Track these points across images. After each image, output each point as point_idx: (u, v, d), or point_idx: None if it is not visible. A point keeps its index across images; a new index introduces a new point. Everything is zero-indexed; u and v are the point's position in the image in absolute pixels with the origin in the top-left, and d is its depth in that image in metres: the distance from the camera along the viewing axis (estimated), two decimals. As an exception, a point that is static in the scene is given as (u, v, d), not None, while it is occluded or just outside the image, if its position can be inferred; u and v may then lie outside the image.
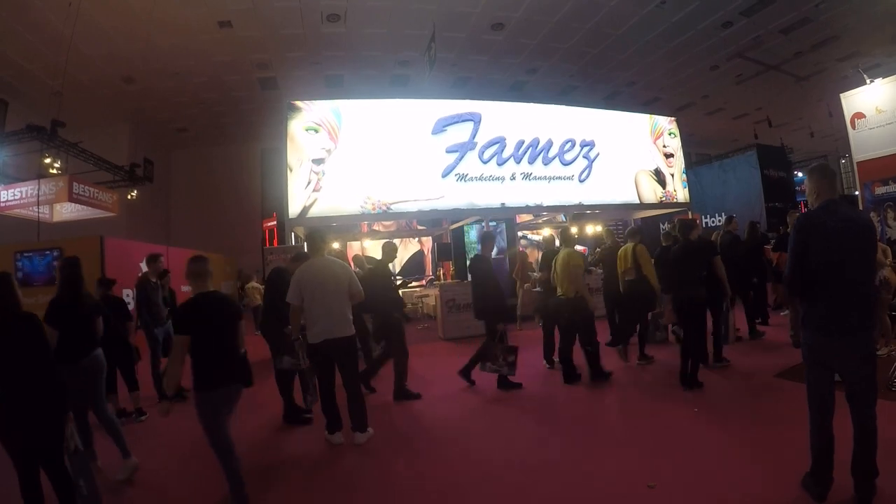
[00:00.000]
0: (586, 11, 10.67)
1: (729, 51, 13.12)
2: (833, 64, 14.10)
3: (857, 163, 10.58)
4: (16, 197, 10.36)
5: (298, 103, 8.56)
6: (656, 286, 5.99)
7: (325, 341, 3.92)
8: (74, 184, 10.36)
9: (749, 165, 13.77)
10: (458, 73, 13.05)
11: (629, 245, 6.27)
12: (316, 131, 8.49)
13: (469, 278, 6.12)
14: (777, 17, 11.38)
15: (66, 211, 11.00)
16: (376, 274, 5.64)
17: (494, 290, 5.32)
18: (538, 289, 7.00)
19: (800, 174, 16.67)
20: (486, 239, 5.77)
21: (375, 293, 5.13)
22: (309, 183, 8.38)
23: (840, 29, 12.11)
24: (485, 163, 9.29)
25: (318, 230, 4.50)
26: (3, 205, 10.37)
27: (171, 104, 13.85)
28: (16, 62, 10.71)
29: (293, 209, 8.31)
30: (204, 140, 16.24)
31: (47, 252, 8.78)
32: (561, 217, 11.50)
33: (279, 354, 4.58)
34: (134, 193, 12.61)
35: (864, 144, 10.41)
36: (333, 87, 13.05)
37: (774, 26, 11.78)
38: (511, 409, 4.84)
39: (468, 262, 6.27)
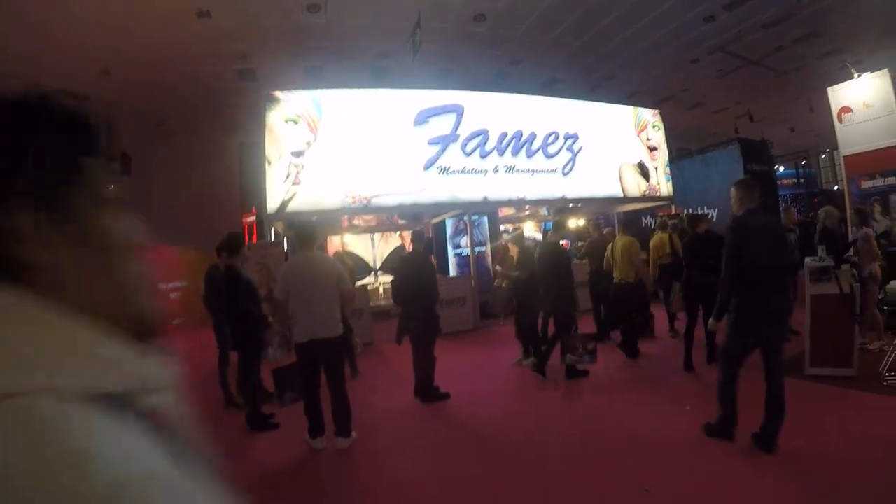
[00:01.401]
0: (567, 3, 10.17)
1: (710, 44, 12.79)
2: (814, 60, 13.85)
3: (844, 157, 10.31)
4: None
5: (277, 94, 8.10)
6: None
7: (311, 341, 3.71)
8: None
9: (732, 160, 13.46)
10: (442, 64, 12.55)
11: (665, 234, 6.73)
12: (295, 122, 8.05)
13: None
14: (759, 13, 11.02)
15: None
16: (420, 265, 5.15)
17: (568, 281, 5.38)
18: (504, 285, 6.67)
19: (781, 168, 16.52)
20: (558, 227, 6.01)
21: (421, 286, 4.91)
22: (288, 176, 7.93)
23: (822, 25, 11.81)
24: (467, 155, 8.90)
25: (309, 223, 4.22)
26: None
27: (149, 97, 13.18)
28: (-11, 50, 10.10)
29: (272, 204, 7.86)
30: (182, 134, 15.49)
31: None
32: (544, 210, 11.16)
33: (256, 351, 4.43)
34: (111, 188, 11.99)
35: (851, 139, 10.14)
36: (313, 79, 12.49)
37: (756, 20, 11.42)
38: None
39: (538, 253, 5.77)
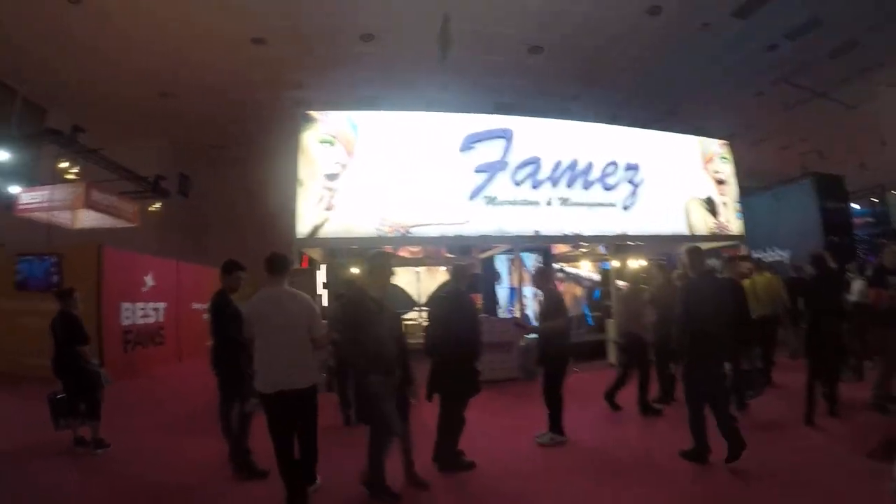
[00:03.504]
0: (627, 35, 9.21)
1: (775, 76, 11.23)
2: (885, 90, 11.83)
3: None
4: (34, 200, 9.19)
5: (313, 113, 7.04)
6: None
7: (279, 393, 2.91)
8: (93, 191, 9.12)
9: (804, 195, 11.40)
10: (496, 98, 11.50)
11: (772, 276, 6.53)
12: (331, 144, 6.92)
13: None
14: (824, 41, 9.62)
15: (89, 218, 9.77)
16: (461, 308, 3.85)
17: (746, 318, 5.02)
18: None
19: (857, 207, 14.08)
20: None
21: (460, 334, 3.67)
22: (321, 200, 6.79)
23: (889, 53, 10.05)
24: (518, 185, 7.46)
25: (281, 253, 3.25)
26: (21, 207, 9.21)
27: (208, 121, 12.71)
28: (55, 71, 9.79)
29: (302, 228, 6.73)
30: (240, 158, 15.00)
31: (46, 257, 7.51)
32: (601, 248, 9.48)
33: (233, 395, 3.69)
34: (157, 206, 11.35)
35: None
36: (367, 109, 11.69)
37: (820, 50, 9.99)
38: None
39: (685, 285, 4.31)
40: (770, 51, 10.27)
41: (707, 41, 9.79)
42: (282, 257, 3.22)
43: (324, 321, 3.62)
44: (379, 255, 3.52)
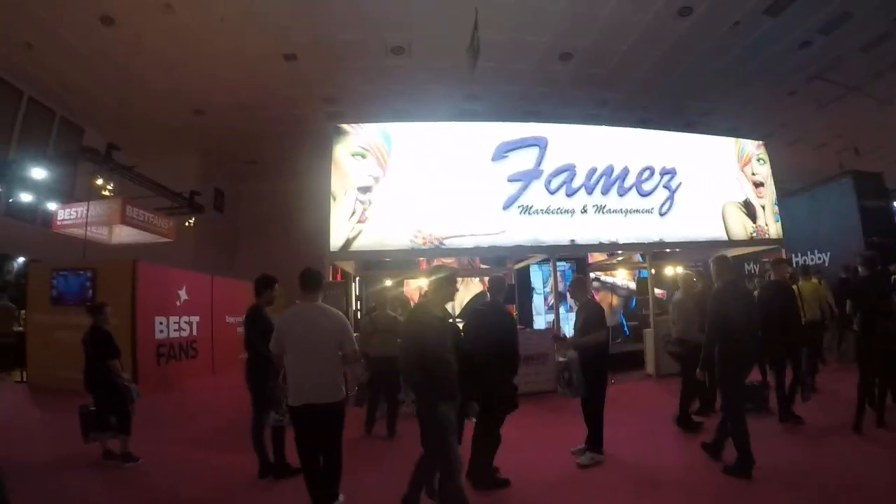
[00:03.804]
0: (657, 37, 9.09)
1: (808, 73, 10.94)
2: None
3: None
4: (71, 217, 9.38)
5: (345, 126, 6.94)
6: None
7: (306, 406, 2.96)
8: (128, 207, 9.24)
9: (843, 195, 10.87)
10: (526, 106, 11.36)
11: (815, 281, 6.60)
12: (363, 157, 6.81)
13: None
14: (856, 34, 9.34)
15: (126, 234, 9.91)
16: (498, 321, 3.67)
17: (793, 320, 4.94)
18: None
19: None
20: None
21: (499, 349, 3.50)
22: (353, 213, 6.68)
23: None
24: (552, 193, 7.23)
25: (315, 269, 3.26)
26: (59, 223, 9.41)
27: (241, 137, 12.85)
28: (91, 92, 10.05)
29: (335, 242, 6.62)
30: (273, 173, 15.12)
31: (81, 272, 7.57)
32: (636, 256, 9.17)
33: (263, 409, 3.75)
34: (192, 221, 11.46)
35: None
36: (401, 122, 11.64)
37: (853, 44, 9.72)
38: None
39: (722, 292, 4.03)
40: (802, 48, 10.02)
41: (738, 40, 9.54)
42: (315, 273, 3.22)
43: (355, 334, 3.51)
44: (442, 268, 3.29)
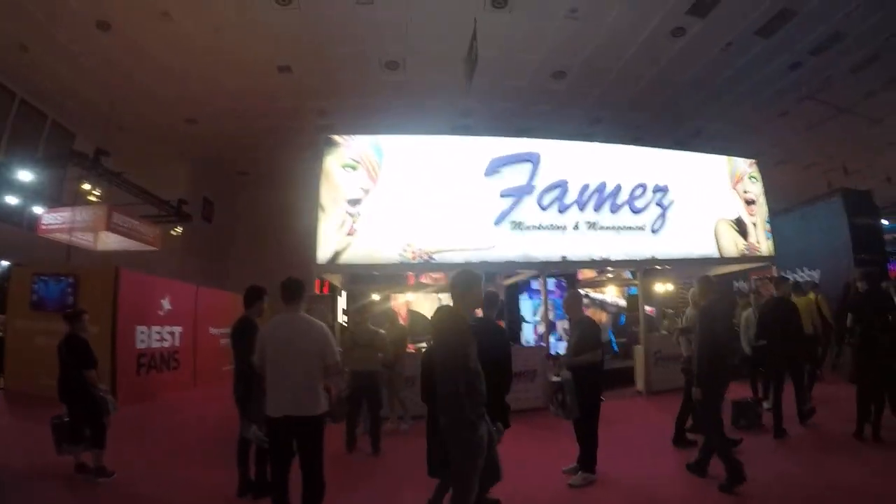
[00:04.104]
0: (650, 57, 9.10)
1: (799, 94, 10.93)
2: None
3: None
4: (57, 221, 9.15)
5: (336, 138, 6.83)
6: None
7: (285, 417, 2.86)
8: (114, 214, 9.03)
9: (833, 213, 10.92)
10: (519, 123, 11.35)
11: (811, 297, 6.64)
12: (353, 168, 6.69)
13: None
14: (846, 55, 9.37)
15: (112, 241, 9.68)
16: (492, 339, 3.28)
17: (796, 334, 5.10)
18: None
19: (885, 222, 13.49)
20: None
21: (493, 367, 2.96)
22: (343, 225, 6.54)
23: None
24: (544, 209, 7.14)
25: (296, 279, 3.13)
26: (44, 227, 9.18)
27: (233, 147, 12.71)
28: (84, 96, 9.90)
29: (323, 254, 6.47)
30: (265, 183, 14.95)
31: (62, 278, 7.33)
32: (626, 273, 9.07)
33: (247, 421, 3.46)
34: (179, 230, 11.25)
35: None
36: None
37: (843, 65, 9.77)
38: None
39: (702, 312, 4.03)
40: (792, 69, 10.07)
41: (730, 61, 9.58)
42: (296, 283, 3.11)
43: (338, 349, 3.32)
44: (467, 272, 2.92)
